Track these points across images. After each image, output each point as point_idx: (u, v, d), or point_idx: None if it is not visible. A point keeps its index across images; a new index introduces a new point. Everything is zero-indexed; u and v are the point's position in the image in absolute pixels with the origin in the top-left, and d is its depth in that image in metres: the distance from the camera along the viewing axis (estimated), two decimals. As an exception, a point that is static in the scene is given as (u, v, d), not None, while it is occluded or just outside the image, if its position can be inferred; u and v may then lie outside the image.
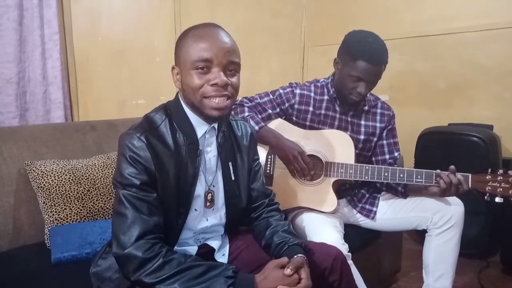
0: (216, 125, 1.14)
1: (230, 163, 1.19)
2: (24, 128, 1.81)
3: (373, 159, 1.75)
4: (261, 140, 1.61)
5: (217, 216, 1.19)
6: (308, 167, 1.57)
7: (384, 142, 1.74)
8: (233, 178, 1.19)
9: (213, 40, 1.02)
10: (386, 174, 1.53)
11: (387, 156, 1.73)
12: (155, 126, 1.08)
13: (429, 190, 1.56)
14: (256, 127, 1.57)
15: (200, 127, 1.11)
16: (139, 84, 2.64)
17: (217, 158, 1.17)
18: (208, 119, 1.08)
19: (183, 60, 1.05)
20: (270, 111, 1.68)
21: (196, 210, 1.14)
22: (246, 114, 1.61)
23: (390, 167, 1.55)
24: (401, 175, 1.51)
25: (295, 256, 1.07)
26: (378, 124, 1.71)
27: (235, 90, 1.07)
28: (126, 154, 1.02)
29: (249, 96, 1.71)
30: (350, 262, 1.35)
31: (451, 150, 2.32)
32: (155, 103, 1.18)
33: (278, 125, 1.69)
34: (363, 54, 1.49)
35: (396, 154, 1.73)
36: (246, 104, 1.66)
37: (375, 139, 1.72)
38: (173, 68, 1.10)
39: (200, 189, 1.13)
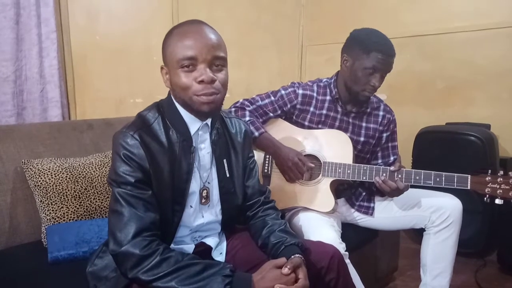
0: (209, 122, 1.14)
1: (224, 160, 1.19)
2: (21, 126, 1.81)
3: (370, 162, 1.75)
4: (259, 147, 1.62)
5: (212, 213, 1.19)
6: (302, 175, 1.59)
7: (383, 147, 1.74)
8: (227, 175, 1.19)
9: (197, 37, 1.02)
10: (384, 174, 1.53)
11: (379, 161, 1.74)
12: (148, 124, 1.08)
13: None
14: (256, 134, 1.57)
15: (193, 124, 1.11)
16: (136, 83, 2.64)
17: (211, 155, 1.17)
18: (199, 114, 1.09)
19: (169, 60, 1.05)
20: (271, 114, 1.68)
21: (191, 207, 1.14)
22: (247, 118, 1.61)
23: (388, 167, 1.55)
24: (399, 175, 1.51)
25: (293, 256, 1.07)
26: (378, 127, 1.71)
27: (223, 85, 1.07)
28: (120, 152, 1.02)
29: (250, 98, 1.70)
30: (347, 261, 1.35)
31: (448, 149, 2.32)
32: (153, 102, 1.18)
33: (277, 125, 1.69)
34: (377, 45, 1.50)
35: (391, 158, 1.74)
36: (247, 108, 1.66)
37: (374, 141, 1.72)
38: (162, 68, 1.11)
39: (195, 185, 1.13)
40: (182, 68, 1.02)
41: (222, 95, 1.07)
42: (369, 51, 1.51)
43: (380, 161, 1.74)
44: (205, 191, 1.16)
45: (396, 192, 1.51)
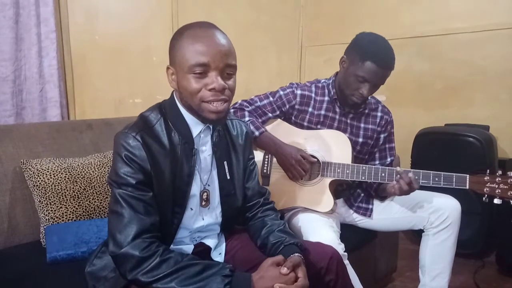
0: (211, 125, 1.13)
1: (225, 162, 1.19)
2: (20, 126, 1.80)
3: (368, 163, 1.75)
4: (260, 146, 1.62)
5: (213, 215, 1.19)
6: (305, 173, 1.57)
7: (380, 148, 1.74)
8: (228, 177, 1.19)
9: (210, 43, 1.01)
10: (383, 174, 1.53)
11: (377, 162, 1.74)
12: (150, 125, 1.08)
13: (389, 189, 1.54)
14: (257, 133, 1.57)
15: (195, 127, 1.11)
16: (136, 83, 2.64)
17: (212, 157, 1.16)
18: (205, 121, 1.08)
19: (178, 62, 1.04)
20: (270, 114, 1.68)
21: (192, 209, 1.14)
22: (247, 119, 1.61)
23: (387, 167, 1.55)
24: (398, 176, 1.51)
25: (292, 255, 1.07)
26: (376, 127, 1.71)
27: (232, 93, 1.06)
28: (122, 153, 1.02)
29: (249, 99, 1.70)
30: (346, 262, 1.36)
31: (447, 151, 2.33)
32: (152, 102, 1.17)
33: (276, 126, 1.69)
34: (373, 56, 1.48)
35: (389, 159, 1.74)
36: (246, 108, 1.66)
37: (372, 142, 1.72)
38: (168, 68, 1.09)
39: (195, 188, 1.13)
40: (193, 73, 1.01)
41: (230, 102, 1.07)
42: (365, 59, 1.49)
43: (377, 162, 1.74)
44: (205, 194, 1.15)
45: (409, 189, 1.46)
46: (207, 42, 1.01)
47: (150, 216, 1.02)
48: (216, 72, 1.01)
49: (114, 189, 1.03)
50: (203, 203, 1.15)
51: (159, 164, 1.05)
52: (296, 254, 1.08)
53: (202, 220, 1.17)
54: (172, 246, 1.14)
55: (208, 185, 1.16)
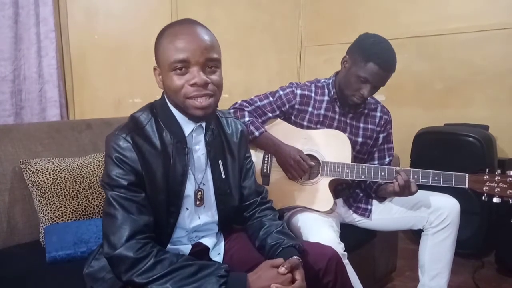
0: (203, 124, 1.13)
1: (220, 161, 1.18)
2: (20, 126, 1.80)
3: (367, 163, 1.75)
4: (260, 146, 1.62)
5: (209, 214, 1.18)
6: (305, 173, 1.58)
7: (379, 147, 1.74)
8: (223, 176, 1.18)
9: (189, 39, 1.00)
10: (382, 173, 1.53)
11: (376, 162, 1.74)
12: (141, 126, 1.07)
13: (387, 189, 1.55)
14: (257, 133, 1.57)
15: (187, 126, 1.10)
16: (135, 82, 2.63)
17: (206, 157, 1.16)
18: (193, 118, 1.08)
19: (161, 62, 1.04)
20: (270, 114, 1.68)
21: (187, 208, 1.13)
22: (247, 119, 1.61)
23: (386, 166, 1.55)
24: (397, 174, 1.51)
25: (290, 258, 1.07)
26: (375, 127, 1.72)
27: (217, 87, 1.05)
28: (112, 155, 1.02)
29: (249, 99, 1.70)
30: (346, 261, 1.36)
31: (447, 150, 2.33)
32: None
33: (276, 125, 1.69)
34: (376, 58, 1.49)
35: (387, 159, 1.74)
36: (246, 109, 1.66)
37: (372, 142, 1.72)
38: (154, 69, 1.09)
39: (190, 187, 1.12)
40: (174, 70, 1.01)
41: (217, 97, 1.06)
42: (368, 60, 1.50)
43: (376, 162, 1.74)
44: (199, 193, 1.15)
45: (407, 190, 1.48)
46: (186, 38, 1.00)
47: (144, 217, 1.02)
48: (198, 67, 1.01)
49: (106, 192, 1.03)
50: (198, 202, 1.15)
51: (151, 164, 1.04)
52: (295, 257, 1.07)
53: (198, 219, 1.17)
54: (169, 246, 1.13)
55: (203, 184, 1.16)
